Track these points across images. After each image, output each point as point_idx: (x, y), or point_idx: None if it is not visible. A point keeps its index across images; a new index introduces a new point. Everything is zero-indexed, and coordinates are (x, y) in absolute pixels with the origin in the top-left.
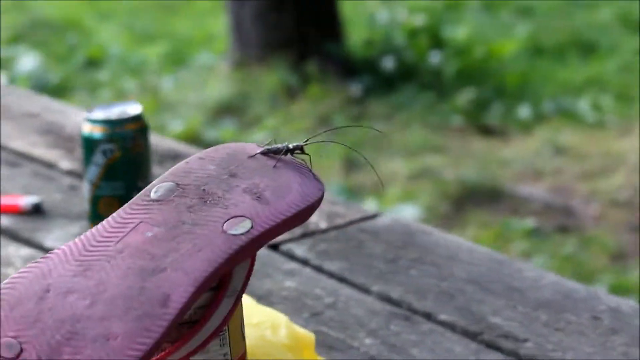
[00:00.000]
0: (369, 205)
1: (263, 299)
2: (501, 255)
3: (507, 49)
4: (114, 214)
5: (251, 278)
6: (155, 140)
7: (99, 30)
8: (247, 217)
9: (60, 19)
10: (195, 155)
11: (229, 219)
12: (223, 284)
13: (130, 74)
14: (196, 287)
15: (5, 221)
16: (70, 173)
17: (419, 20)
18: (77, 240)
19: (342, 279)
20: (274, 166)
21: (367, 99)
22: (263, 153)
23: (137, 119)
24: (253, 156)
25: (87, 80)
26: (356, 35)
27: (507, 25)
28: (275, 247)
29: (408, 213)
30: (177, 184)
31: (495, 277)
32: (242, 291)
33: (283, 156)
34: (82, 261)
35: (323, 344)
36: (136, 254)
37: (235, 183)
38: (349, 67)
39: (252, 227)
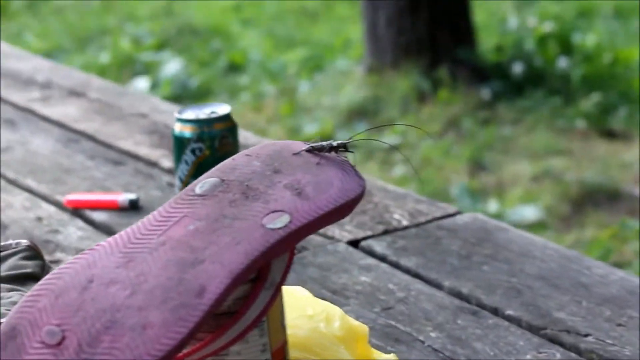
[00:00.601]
0: (491, 205)
1: (337, 293)
2: (572, 252)
3: (634, 56)
4: (160, 208)
5: (328, 273)
6: (254, 140)
7: (242, 37)
8: (286, 212)
9: (206, 25)
10: (243, 152)
11: (268, 214)
12: (261, 276)
13: (269, 79)
14: (232, 279)
15: (104, 216)
16: (170, 171)
17: (548, 26)
18: (123, 232)
19: (416, 275)
20: (317, 163)
21: (496, 103)
22: (308, 150)
23: (226, 118)
24: (298, 153)
25: (227, 85)
26: (487, 41)
27: (637, 32)
28: (355, 244)
29: (528, 214)
30: (222, 180)
31: (564, 274)
32: (282, 283)
33: (326, 153)
34: (125, 253)
35: (390, 337)
36: (177, 247)
37: (278, 179)
38: (479, 72)
39: (290, 222)
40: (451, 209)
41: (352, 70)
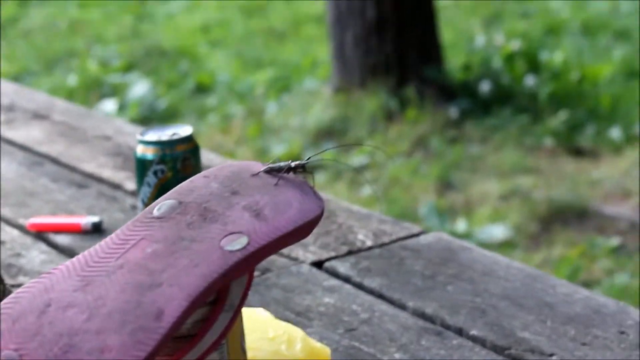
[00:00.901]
0: (459, 224)
1: (301, 314)
2: (536, 271)
3: (602, 73)
4: (118, 231)
5: (291, 294)
6: (218, 161)
7: (210, 58)
8: (244, 233)
9: (174, 46)
10: (201, 173)
11: (226, 235)
12: (220, 299)
13: (237, 100)
14: (190, 301)
15: (67, 240)
16: (133, 194)
17: (515, 44)
18: (80, 256)
19: (380, 295)
20: (275, 184)
21: (464, 121)
22: (266, 171)
23: (188, 140)
24: (256, 174)
25: (195, 106)
26: (455, 59)
27: (604, 49)
28: (319, 265)
29: (497, 233)
30: (180, 202)
31: (528, 293)
32: (241, 306)
33: (285, 174)
34: (83, 276)
35: (354, 358)
36: (135, 270)
37: (236, 200)
38: (447, 91)
39: (248, 243)
40: (415, 228)
41: (319, 90)
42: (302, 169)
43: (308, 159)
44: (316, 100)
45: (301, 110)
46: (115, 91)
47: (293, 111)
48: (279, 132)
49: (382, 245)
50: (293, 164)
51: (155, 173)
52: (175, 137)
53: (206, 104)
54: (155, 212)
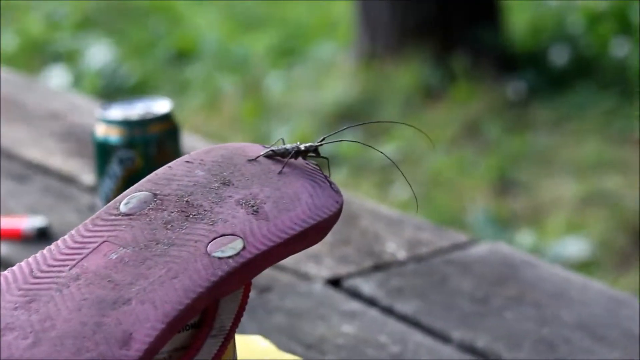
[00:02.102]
0: (523, 237)
1: (312, 347)
2: (622, 294)
3: None
4: (73, 232)
5: (299, 321)
6: (202, 145)
7: (193, 16)
8: (239, 236)
9: (144, 2)
10: (182, 157)
11: (215, 238)
12: (206, 321)
13: (228, 70)
14: (167, 323)
15: (4, 249)
16: (91, 189)
17: (601, 2)
18: (23, 263)
19: (415, 323)
20: (279, 172)
21: (530, 101)
22: (267, 156)
23: (165, 118)
24: (254, 159)
25: (173, 78)
26: (518, 20)
27: None
28: (335, 283)
29: (573, 249)
30: (155, 194)
31: (612, 321)
32: (233, 330)
33: (292, 160)
34: (27, 290)
35: None
36: (95, 282)
37: (228, 193)
38: (506, 61)
39: (243, 248)
40: (463, 237)
41: (337, 59)
42: (314, 153)
43: (322, 140)
44: (333, 73)
45: (313, 85)
46: (67, 57)
47: (303, 86)
48: (284, 113)
49: (418, 258)
50: (302, 147)
51: (121, 162)
52: (149, 114)
53: (188, 75)
54: (122, 208)
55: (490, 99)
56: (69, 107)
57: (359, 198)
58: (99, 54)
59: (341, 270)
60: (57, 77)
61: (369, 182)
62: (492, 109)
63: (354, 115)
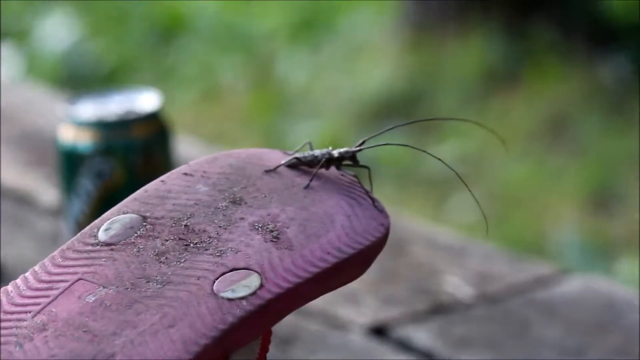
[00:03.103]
0: (627, 268)
1: None
2: None
3: None
4: (36, 268)
5: None
6: (201, 151)
7: None
8: (254, 270)
9: None
10: (178, 169)
11: (223, 274)
12: None
13: (230, 52)
14: None
15: None
16: (56, 212)
17: None
18: None
19: None
20: (306, 186)
21: (634, 88)
22: (290, 165)
23: (152, 117)
24: (273, 170)
25: (160, 64)
26: None
27: None
28: (380, 332)
29: None
30: (144, 217)
31: None
32: None
33: (323, 170)
34: None
35: None
36: (67, 333)
37: (240, 214)
38: (603, 35)
39: (261, 287)
40: (547, 269)
41: (376, 37)
42: (351, 161)
43: (361, 143)
44: (371, 54)
45: (344, 71)
46: (16, 36)
47: (330, 73)
48: (307, 105)
49: (489, 298)
50: (336, 153)
51: (95, 175)
52: (130, 112)
53: (178, 59)
54: (102, 235)
55: (581, 84)
56: (22, 103)
57: (409, 219)
58: (58, 30)
59: (387, 314)
60: (4, 63)
61: (422, 197)
62: (583, 98)
63: (400, 110)
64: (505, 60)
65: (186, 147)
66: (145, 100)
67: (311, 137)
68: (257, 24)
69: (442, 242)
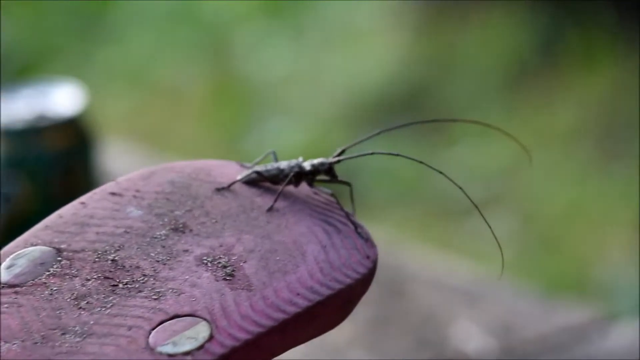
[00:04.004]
0: None
1: None
2: None
3: None
4: None
5: None
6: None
7: None
8: (202, 318)
9: None
10: (103, 187)
11: (162, 322)
12: None
13: (181, 34)
14: None
15: None
16: None
17: None
18: None
19: None
20: (269, 208)
21: None
22: (248, 182)
23: (71, 123)
24: (226, 188)
25: (83, 48)
26: None
27: None
28: None
29: None
30: (58, 250)
31: None
32: None
33: (291, 187)
34: None
35: None
36: None
37: (184, 245)
38: None
39: (210, 338)
40: (589, 314)
41: (372, 18)
42: (328, 175)
43: (340, 152)
44: (365, 40)
45: (330, 59)
46: None
47: (311, 61)
48: (280, 103)
49: (514, 353)
50: (308, 165)
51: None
52: (43, 117)
53: (108, 43)
54: (4, 275)
55: (635, 73)
56: None
57: (408, 250)
58: None
59: None
60: None
61: (427, 223)
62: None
63: (402, 110)
64: (540, 42)
65: (119, 159)
66: (63, 97)
67: (285, 142)
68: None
69: (453, 280)
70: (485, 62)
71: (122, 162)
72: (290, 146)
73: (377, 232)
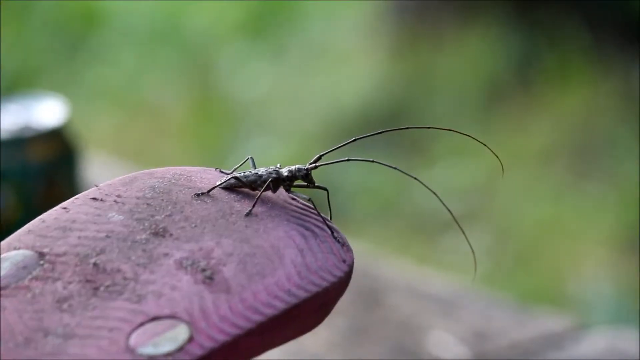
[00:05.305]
0: None
1: None
2: None
3: None
4: None
5: None
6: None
7: None
8: (182, 320)
9: None
10: (85, 192)
11: (142, 324)
12: None
13: (163, 48)
14: None
15: None
16: None
17: None
18: None
19: None
20: (248, 213)
21: None
22: (227, 187)
23: (54, 134)
24: (205, 193)
25: (69, 65)
26: None
27: None
28: None
29: None
30: (41, 254)
31: None
32: None
33: (269, 192)
34: None
35: None
36: None
37: (164, 249)
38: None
39: (190, 340)
40: (563, 323)
41: (352, 38)
42: (305, 180)
43: (317, 158)
44: (346, 60)
45: (310, 79)
46: None
47: (292, 81)
48: (263, 124)
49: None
50: (285, 171)
51: None
52: (27, 128)
53: (94, 61)
54: None
55: (613, 92)
56: None
57: (387, 262)
58: None
59: None
60: None
61: (405, 235)
62: (616, 109)
63: (383, 127)
64: (515, 62)
65: (102, 171)
66: (47, 111)
67: (267, 159)
68: (198, 21)
69: (429, 290)
70: (461, 83)
71: (105, 175)
72: (272, 163)
73: (356, 246)
